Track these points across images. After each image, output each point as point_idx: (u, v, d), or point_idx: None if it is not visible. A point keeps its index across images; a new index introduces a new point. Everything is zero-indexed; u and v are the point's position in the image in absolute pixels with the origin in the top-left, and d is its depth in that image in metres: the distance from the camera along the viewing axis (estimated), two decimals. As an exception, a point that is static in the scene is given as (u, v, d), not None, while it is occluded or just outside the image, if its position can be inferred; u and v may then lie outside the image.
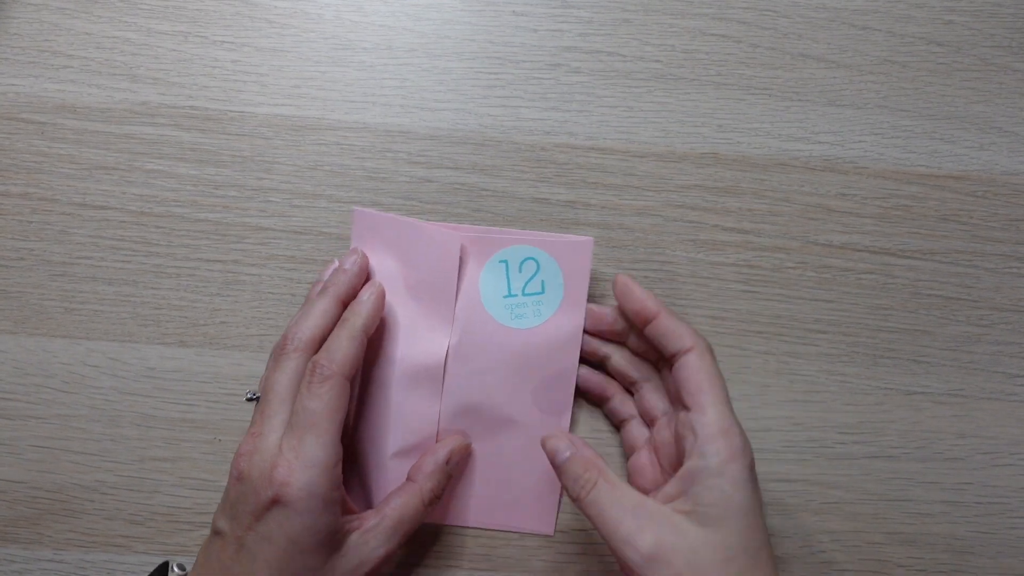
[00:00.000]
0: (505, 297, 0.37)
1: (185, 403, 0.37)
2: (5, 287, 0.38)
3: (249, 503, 0.29)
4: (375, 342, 0.36)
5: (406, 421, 0.36)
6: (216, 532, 0.30)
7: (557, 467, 0.32)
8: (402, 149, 0.39)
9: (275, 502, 0.29)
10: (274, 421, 0.30)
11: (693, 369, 0.32)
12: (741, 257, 0.39)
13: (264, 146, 0.39)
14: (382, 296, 0.34)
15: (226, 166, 0.39)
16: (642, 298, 0.34)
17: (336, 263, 0.35)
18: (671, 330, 0.33)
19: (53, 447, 0.37)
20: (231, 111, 0.39)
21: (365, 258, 0.36)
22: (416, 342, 0.36)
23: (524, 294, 0.37)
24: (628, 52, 0.40)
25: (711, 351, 0.32)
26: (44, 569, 0.36)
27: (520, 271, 0.37)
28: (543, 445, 0.33)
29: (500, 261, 0.37)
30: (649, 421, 0.36)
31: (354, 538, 0.31)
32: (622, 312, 0.35)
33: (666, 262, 0.39)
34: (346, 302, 0.34)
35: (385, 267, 0.37)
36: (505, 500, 0.37)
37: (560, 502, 0.37)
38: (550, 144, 0.39)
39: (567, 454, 0.32)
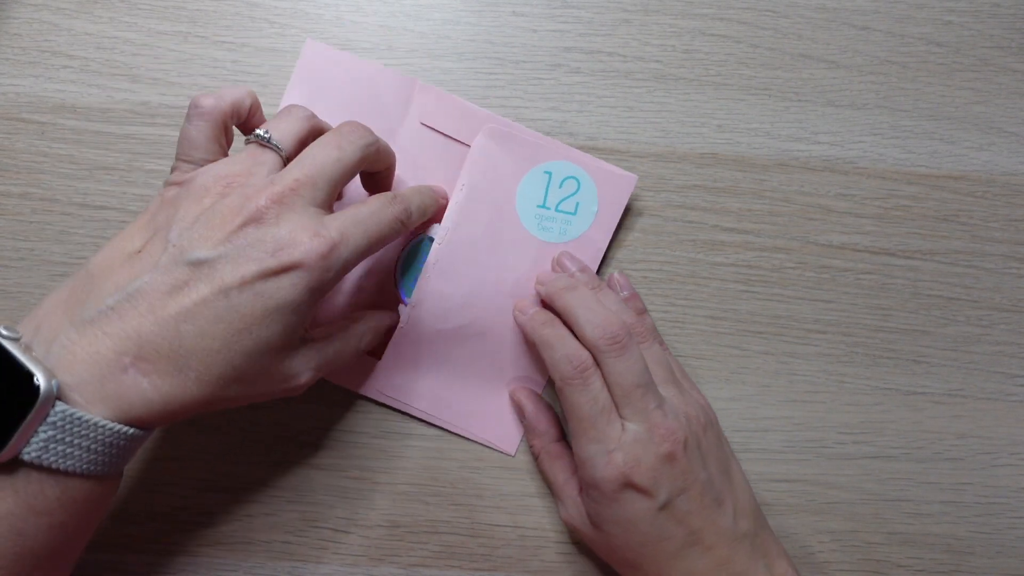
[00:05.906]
0: (538, 207, 0.38)
1: (185, 403, 0.37)
2: (5, 287, 0.38)
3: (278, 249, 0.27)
4: None
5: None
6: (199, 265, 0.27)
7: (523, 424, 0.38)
8: (402, 149, 0.39)
9: (317, 260, 0.27)
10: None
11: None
12: (740, 257, 0.39)
13: (264, 146, 0.39)
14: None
15: (226, 166, 0.39)
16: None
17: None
18: None
19: (53, 447, 0.37)
20: (231, 111, 0.39)
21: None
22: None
23: (557, 210, 0.38)
24: (628, 52, 0.40)
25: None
26: (44, 569, 0.36)
27: (560, 187, 0.38)
28: (511, 396, 0.38)
29: (545, 172, 0.38)
30: None
31: (303, 348, 0.30)
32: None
33: (666, 262, 0.39)
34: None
35: (328, 110, 0.36)
36: (473, 410, 0.38)
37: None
38: (550, 144, 0.39)
39: (524, 421, 0.37)
